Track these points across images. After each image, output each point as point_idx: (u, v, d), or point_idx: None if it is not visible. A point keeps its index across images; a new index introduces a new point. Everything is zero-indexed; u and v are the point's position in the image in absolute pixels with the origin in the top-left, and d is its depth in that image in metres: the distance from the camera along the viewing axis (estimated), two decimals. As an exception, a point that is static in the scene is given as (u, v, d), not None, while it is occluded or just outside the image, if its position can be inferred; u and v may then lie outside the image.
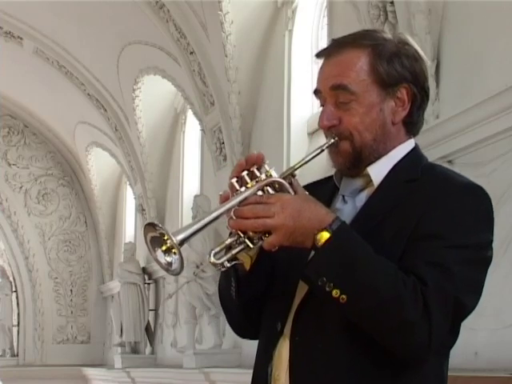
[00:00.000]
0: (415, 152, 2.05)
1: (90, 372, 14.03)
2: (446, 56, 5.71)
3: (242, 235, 1.87)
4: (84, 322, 14.73)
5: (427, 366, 1.92)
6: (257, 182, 1.90)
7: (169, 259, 1.83)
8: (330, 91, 2.00)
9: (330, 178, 2.12)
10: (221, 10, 8.37)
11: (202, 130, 9.81)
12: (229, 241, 1.89)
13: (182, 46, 9.34)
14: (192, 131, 11.42)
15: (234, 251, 1.89)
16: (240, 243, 1.88)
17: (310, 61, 8.17)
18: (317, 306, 1.91)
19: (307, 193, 1.95)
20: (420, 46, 6.51)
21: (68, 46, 11.52)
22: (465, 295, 1.87)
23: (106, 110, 12.07)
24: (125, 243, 13.00)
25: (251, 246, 1.88)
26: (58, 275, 14.61)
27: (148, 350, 12.18)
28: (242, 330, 2.17)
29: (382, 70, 1.98)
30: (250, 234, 1.86)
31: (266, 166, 1.93)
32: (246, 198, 1.87)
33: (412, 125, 2.04)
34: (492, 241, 1.94)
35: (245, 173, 1.91)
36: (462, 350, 5.28)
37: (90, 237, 14.80)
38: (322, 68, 2.05)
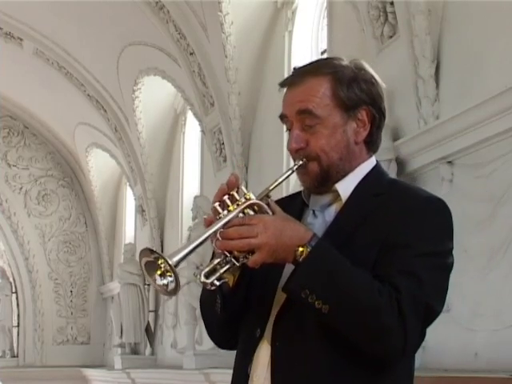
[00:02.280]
0: (378, 168, 2.22)
1: (89, 373, 14.03)
2: (446, 56, 5.71)
3: (228, 255, 2.03)
4: (84, 322, 14.74)
5: (399, 366, 2.08)
6: (237, 205, 2.05)
7: (165, 281, 1.99)
8: (297, 116, 2.18)
9: (300, 193, 2.27)
10: (221, 11, 8.38)
11: (202, 130, 9.81)
12: (216, 261, 2.05)
13: (181, 46, 9.35)
14: (192, 132, 11.42)
15: (221, 270, 2.04)
16: (226, 262, 2.04)
17: (309, 62, 8.17)
18: (296, 312, 2.05)
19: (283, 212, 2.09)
20: (420, 46, 6.49)
21: (68, 47, 11.53)
22: (434, 301, 2.04)
23: (105, 111, 12.07)
24: (125, 244, 13.01)
25: (237, 264, 2.04)
26: (58, 276, 14.62)
27: (148, 350, 12.18)
28: (223, 342, 2.31)
29: (343, 95, 2.14)
30: (236, 253, 2.02)
31: (244, 189, 2.08)
32: (229, 221, 2.02)
33: (372, 143, 2.21)
34: (453, 248, 2.11)
35: (226, 197, 2.06)
36: (462, 351, 5.29)
37: (89, 238, 14.81)
38: (286, 95, 2.22)
